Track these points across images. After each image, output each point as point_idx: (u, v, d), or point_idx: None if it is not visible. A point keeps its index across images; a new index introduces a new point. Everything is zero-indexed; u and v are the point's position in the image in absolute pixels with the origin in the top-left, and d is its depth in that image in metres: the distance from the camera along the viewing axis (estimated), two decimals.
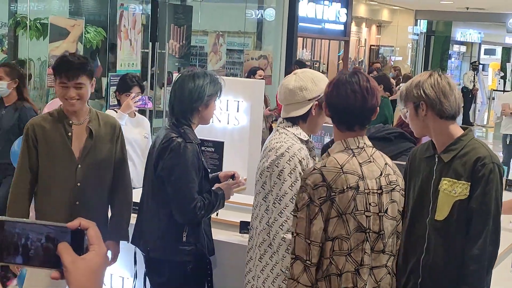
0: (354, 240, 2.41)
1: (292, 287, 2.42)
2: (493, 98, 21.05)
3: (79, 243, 1.12)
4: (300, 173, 2.73)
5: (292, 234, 2.45)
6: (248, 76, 8.22)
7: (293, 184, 2.73)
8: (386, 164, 2.55)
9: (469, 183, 2.64)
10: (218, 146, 4.23)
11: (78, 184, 3.30)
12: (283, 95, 2.94)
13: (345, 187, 2.38)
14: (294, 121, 2.89)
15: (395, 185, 2.54)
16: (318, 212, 2.38)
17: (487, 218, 2.63)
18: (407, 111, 2.74)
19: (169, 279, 3.26)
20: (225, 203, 3.32)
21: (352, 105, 2.47)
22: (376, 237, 2.47)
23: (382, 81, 7.37)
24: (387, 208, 2.50)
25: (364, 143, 2.51)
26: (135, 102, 4.55)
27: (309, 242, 2.39)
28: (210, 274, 3.34)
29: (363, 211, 2.41)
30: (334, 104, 2.51)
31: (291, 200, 2.70)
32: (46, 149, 3.28)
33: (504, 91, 23.64)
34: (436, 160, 2.73)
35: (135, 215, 3.46)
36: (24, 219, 1.15)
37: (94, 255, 1.12)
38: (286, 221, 2.72)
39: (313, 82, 2.88)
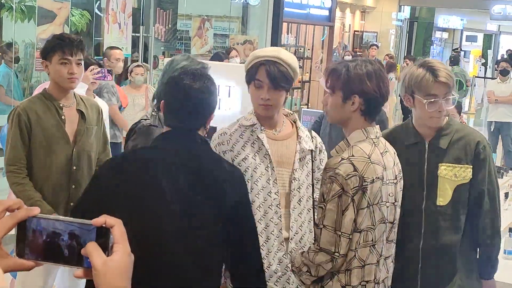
0: (378, 232, 2.38)
1: (312, 270, 2.37)
2: (474, 85, 21.18)
3: (104, 241, 1.08)
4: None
5: (317, 225, 2.37)
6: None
7: None
8: (394, 153, 2.55)
9: (471, 166, 2.70)
10: (212, 131, 4.20)
11: (74, 167, 3.32)
12: None
13: (374, 177, 2.34)
14: None
15: (402, 174, 2.56)
16: (350, 202, 2.30)
17: (496, 194, 2.76)
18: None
19: None
20: None
21: (386, 95, 2.44)
22: (390, 227, 2.47)
23: (389, 68, 7.41)
24: (398, 198, 2.51)
25: (378, 132, 2.48)
26: (94, 75, 4.38)
27: (340, 233, 2.31)
28: None
29: (385, 202, 2.40)
30: (375, 97, 2.40)
31: None
32: (41, 134, 3.25)
33: (485, 77, 23.80)
34: (427, 146, 2.75)
35: None
36: (48, 215, 1.11)
37: (122, 255, 1.08)
38: None
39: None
